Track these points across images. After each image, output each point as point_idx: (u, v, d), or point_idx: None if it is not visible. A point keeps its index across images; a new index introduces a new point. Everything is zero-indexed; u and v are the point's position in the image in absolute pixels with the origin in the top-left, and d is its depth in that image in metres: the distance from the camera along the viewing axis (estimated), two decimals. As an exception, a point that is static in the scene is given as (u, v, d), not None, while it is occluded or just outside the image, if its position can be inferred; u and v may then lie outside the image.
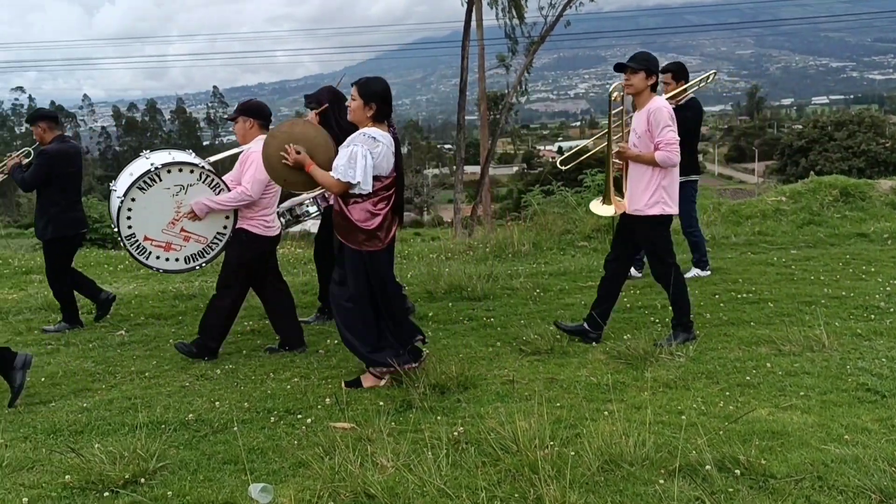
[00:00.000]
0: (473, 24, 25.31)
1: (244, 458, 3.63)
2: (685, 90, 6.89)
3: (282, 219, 5.89)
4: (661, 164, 4.93)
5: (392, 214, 4.58)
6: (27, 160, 6.58)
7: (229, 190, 5.32)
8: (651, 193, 4.99)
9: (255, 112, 5.42)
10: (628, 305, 6.20)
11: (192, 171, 5.31)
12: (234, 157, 5.59)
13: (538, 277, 7.44)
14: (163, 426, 4.08)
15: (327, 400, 4.37)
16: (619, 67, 5.07)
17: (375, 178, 4.45)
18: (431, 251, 9.66)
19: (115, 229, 5.35)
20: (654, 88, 5.07)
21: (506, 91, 28.92)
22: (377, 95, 4.50)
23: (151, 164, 5.27)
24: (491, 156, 28.19)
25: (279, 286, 5.71)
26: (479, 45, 26.56)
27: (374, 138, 4.44)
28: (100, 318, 6.77)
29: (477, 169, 33.52)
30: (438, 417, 4.03)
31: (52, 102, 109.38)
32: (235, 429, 4.00)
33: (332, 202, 4.90)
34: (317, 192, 5.54)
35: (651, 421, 3.70)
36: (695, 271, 7.21)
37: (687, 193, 6.77)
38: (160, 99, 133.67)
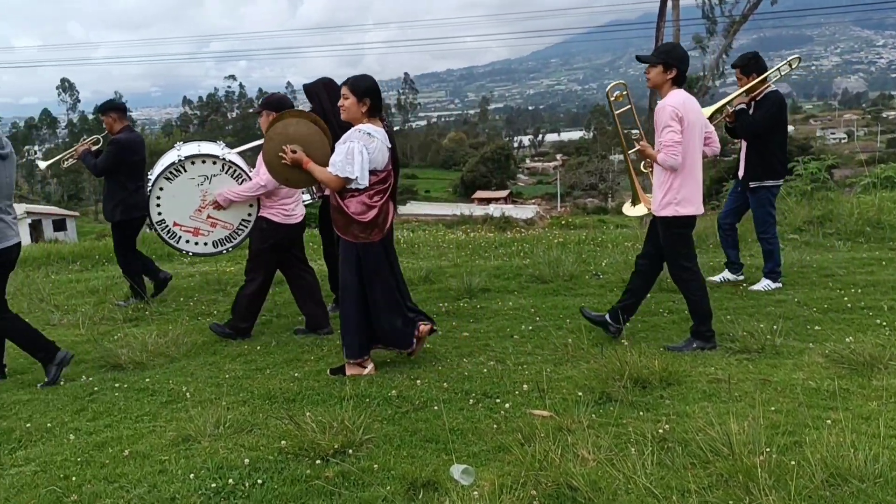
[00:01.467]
0: (669, 4, 24.30)
1: (445, 438, 3.70)
2: (761, 83, 6.22)
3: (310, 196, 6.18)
4: (662, 166, 4.76)
5: (388, 207, 4.70)
6: (95, 147, 7.21)
7: (251, 180, 5.59)
8: (663, 194, 4.84)
9: (276, 106, 5.55)
10: (849, 305, 5.68)
11: (214, 163, 5.68)
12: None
13: (745, 271, 7.00)
14: (367, 400, 4.23)
15: (524, 386, 4.33)
16: (639, 59, 4.94)
17: (371, 172, 4.57)
18: (626, 239, 9.40)
19: (147, 214, 5.81)
20: (676, 82, 4.81)
21: (701, 74, 27.55)
22: (369, 91, 4.59)
23: (178, 156, 5.69)
24: (683, 142, 27.08)
25: (305, 272, 5.89)
26: (675, 26, 25.45)
27: (370, 134, 4.56)
28: (156, 295, 7.29)
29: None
30: (641, 413, 3.88)
31: (260, 90, 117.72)
32: (436, 408, 4.07)
33: (327, 193, 4.99)
34: None
35: (883, 434, 3.35)
36: (764, 283, 6.48)
37: (760, 198, 6.35)
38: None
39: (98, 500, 3.29)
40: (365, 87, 4.60)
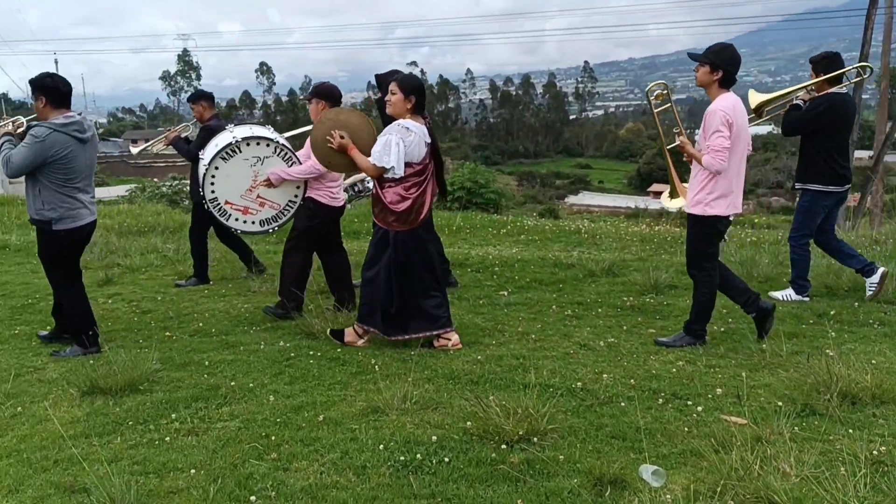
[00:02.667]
0: (884, -11, 22.20)
1: (632, 436, 3.58)
2: (825, 83, 5.97)
3: (346, 192, 6.42)
4: (707, 168, 4.76)
5: (423, 199, 4.97)
6: (185, 134, 7.72)
7: (300, 163, 5.82)
8: (696, 192, 4.88)
9: (326, 94, 5.82)
10: None
11: (268, 145, 5.86)
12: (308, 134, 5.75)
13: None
14: (550, 389, 4.17)
15: (718, 390, 4.12)
16: (690, 57, 4.93)
17: (407, 164, 4.87)
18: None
19: (201, 192, 5.93)
20: (724, 84, 4.79)
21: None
22: (415, 90, 4.93)
23: (233, 137, 5.83)
24: (889, 140, 24.77)
25: (340, 256, 6.17)
26: (887, 14, 23.24)
27: (408, 128, 4.86)
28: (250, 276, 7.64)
29: (865, 154, 29.70)
30: (850, 431, 3.57)
31: (440, 76, 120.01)
32: (623, 404, 3.96)
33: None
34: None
35: None
36: (785, 293, 6.19)
37: (803, 202, 6.13)
38: (534, 73, 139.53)
39: (294, 461, 3.46)
40: (412, 86, 4.95)
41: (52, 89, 5.03)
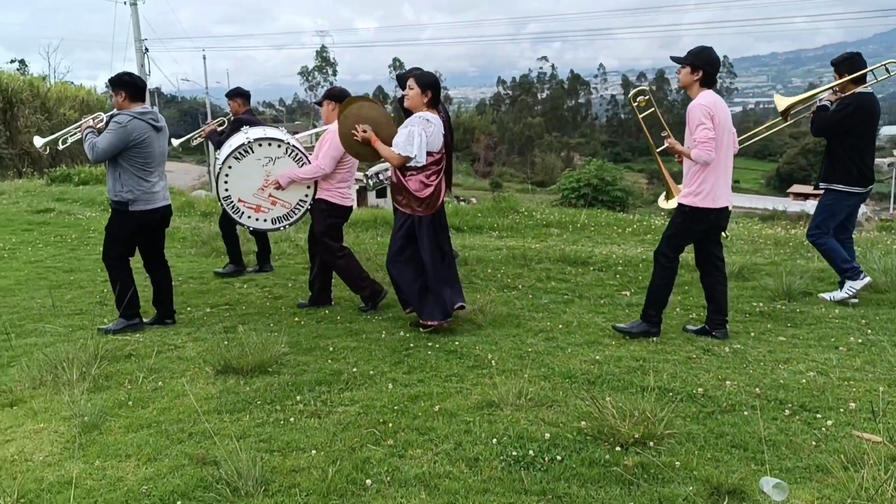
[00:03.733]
0: None
1: (755, 447, 3.45)
2: (850, 83, 5.97)
3: (370, 181, 7.02)
4: (696, 161, 4.94)
5: (441, 185, 5.44)
6: (221, 128, 8.14)
7: (310, 164, 6.08)
8: (687, 185, 5.11)
9: (337, 97, 6.07)
10: None
11: (279, 146, 6.11)
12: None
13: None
14: (669, 394, 4.08)
15: (851, 404, 3.90)
16: (672, 59, 5.18)
17: (428, 154, 5.31)
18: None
19: (216, 191, 6.21)
20: (705, 83, 5.03)
21: None
22: (431, 85, 5.39)
23: (246, 138, 6.09)
24: None
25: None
26: None
27: (428, 120, 5.30)
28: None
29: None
30: None
31: (571, 71, 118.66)
32: (746, 413, 3.82)
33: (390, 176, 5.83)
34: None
35: None
36: (838, 292, 6.14)
37: (825, 201, 6.16)
38: (668, 69, 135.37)
39: (409, 449, 3.55)
40: (428, 82, 5.40)
41: (130, 85, 5.63)
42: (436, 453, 3.50)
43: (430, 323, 5.40)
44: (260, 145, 6.09)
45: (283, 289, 7.07)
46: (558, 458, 3.38)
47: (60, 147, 6.42)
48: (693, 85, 5.05)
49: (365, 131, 5.43)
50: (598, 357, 4.78)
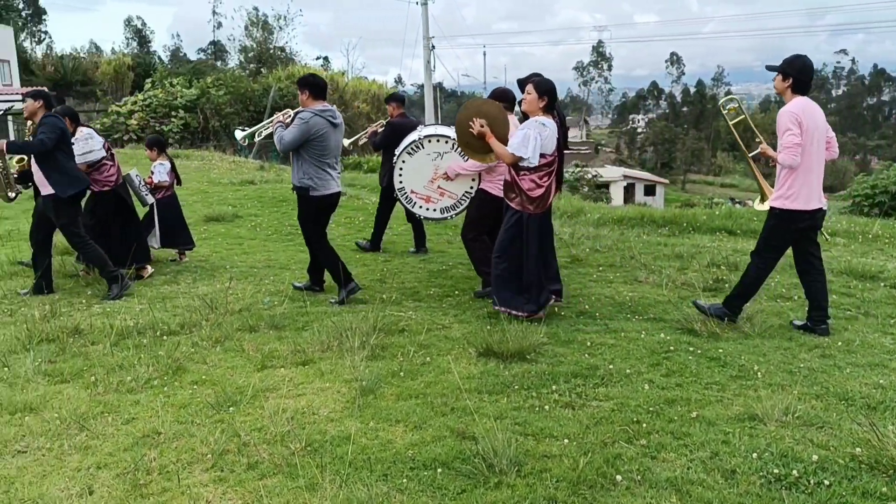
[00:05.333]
0: None
1: None
2: None
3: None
4: (782, 165, 5.14)
5: (551, 186, 5.68)
6: (379, 130, 8.71)
7: None
8: (778, 189, 5.28)
9: (500, 97, 6.43)
10: None
11: (447, 142, 6.63)
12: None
13: None
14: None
15: None
16: (767, 68, 5.36)
17: (541, 156, 5.53)
18: None
19: (392, 182, 6.95)
20: (795, 89, 5.20)
21: None
22: (548, 92, 5.62)
23: (418, 135, 6.76)
24: None
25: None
26: None
27: (544, 124, 5.54)
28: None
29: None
30: None
31: (875, 66, 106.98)
32: None
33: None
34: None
35: None
36: None
37: None
38: None
39: (662, 451, 3.51)
40: (545, 88, 5.62)
41: (313, 85, 6.25)
42: (690, 459, 3.43)
43: (509, 311, 5.65)
44: (430, 141, 6.68)
45: (546, 281, 7.22)
46: (825, 482, 3.16)
47: (256, 140, 7.22)
48: (785, 91, 5.24)
49: (482, 126, 5.75)
50: (881, 381, 4.35)
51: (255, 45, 52.36)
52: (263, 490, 3.23)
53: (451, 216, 6.94)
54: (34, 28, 66.56)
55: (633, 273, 7.47)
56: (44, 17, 67.43)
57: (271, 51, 51.89)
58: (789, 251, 5.48)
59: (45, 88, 6.82)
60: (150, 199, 8.02)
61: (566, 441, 3.62)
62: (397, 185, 6.89)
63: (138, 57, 56.34)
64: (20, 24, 59.71)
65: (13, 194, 6.96)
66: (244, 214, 11.47)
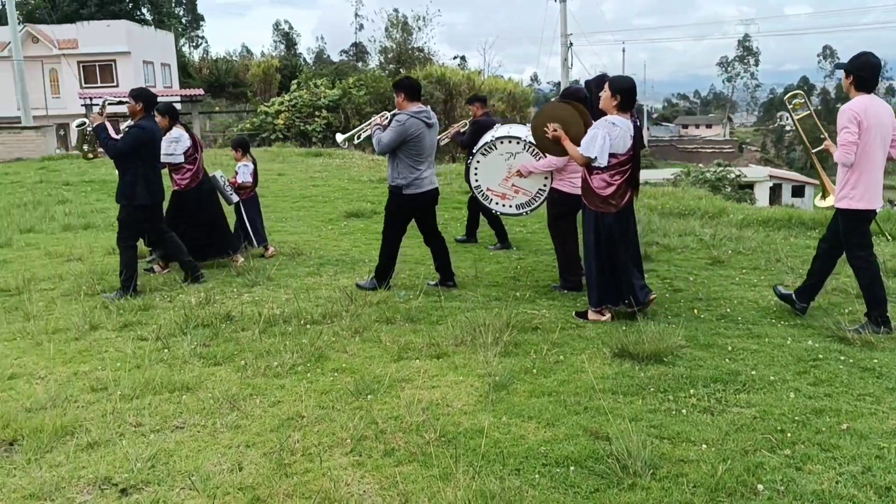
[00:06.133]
0: None
1: None
2: None
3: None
4: (838, 162, 5.25)
5: (626, 186, 5.61)
6: (463, 130, 9.22)
7: (546, 158, 6.58)
8: (840, 188, 5.31)
9: (571, 96, 6.49)
10: None
11: (518, 143, 6.87)
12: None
13: None
14: None
15: None
16: (835, 67, 5.70)
17: (612, 155, 5.49)
18: None
19: (469, 182, 7.30)
20: (858, 87, 5.23)
21: None
22: (623, 91, 5.53)
23: (492, 136, 7.06)
24: None
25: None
26: None
27: (614, 123, 5.49)
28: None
29: None
30: None
31: None
32: None
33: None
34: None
35: None
36: None
37: None
38: None
39: (808, 463, 3.35)
40: (621, 87, 5.56)
41: (408, 87, 6.54)
42: (839, 473, 3.25)
43: (596, 313, 5.70)
44: (501, 143, 6.95)
45: (684, 282, 7.03)
46: None
47: (356, 142, 7.50)
48: (850, 89, 5.27)
49: (556, 130, 5.88)
50: None
51: (394, 46, 53.66)
52: (399, 476, 3.33)
53: (526, 212, 7.19)
54: (192, 33, 71.18)
55: (779, 277, 7.13)
56: (201, 22, 72.03)
57: (410, 51, 53.02)
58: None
59: (146, 89, 7.12)
60: (235, 198, 8.41)
61: (704, 446, 3.52)
62: (473, 183, 7.20)
63: (285, 59, 59.00)
64: (180, 29, 63.90)
65: (91, 156, 7.67)
66: (382, 211, 11.80)
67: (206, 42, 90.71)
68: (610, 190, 5.59)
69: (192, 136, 7.85)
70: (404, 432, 3.78)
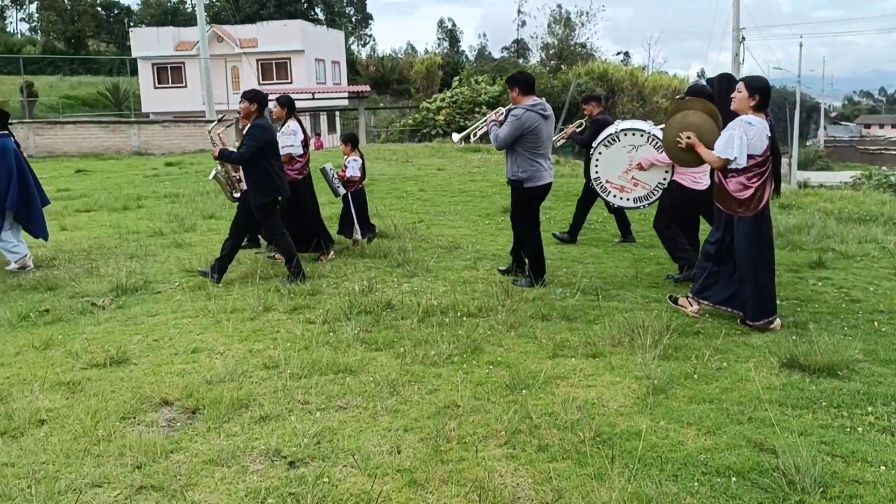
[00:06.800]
0: None
1: None
2: None
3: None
4: None
5: (763, 188, 5.36)
6: (580, 129, 9.25)
7: None
8: None
9: (697, 94, 6.24)
10: None
11: (642, 135, 6.90)
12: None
13: None
14: None
15: None
16: None
17: (749, 156, 5.30)
18: None
19: (587, 175, 7.40)
20: None
21: None
22: (760, 90, 5.35)
23: (614, 129, 7.05)
24: None
25: (693, 236, 7.07)
26: None
27: (750, 123, 5.31)
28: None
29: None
30: None
31: None
32: None
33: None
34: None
35: None
36: None
37: None
38: None
39: None
40: (757, 86, 5.34)
41: (523, 82, 6.60)
42: None
43: (756, 324, 5.38)
44: (625, 135, 6.99)
45: (863, 292, 6.55)
46: None
47: (472, 140, 7.57)
48: None
49: (689, 138, 5.66)
50: None
51: (556, 42, 53.32)
52: (553, 472, 3.34)
53: (644, 206, 7.24)
54: (361, 32, 74.01)
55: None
56: (370, 21, 74.75)
57: (572, 47, 52.51)
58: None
59: (258, 90, 7.37)
60: (342, 191, 8.57)
61: (882, 468, 3.28)
62: (593, 175, 7.24)
63: (447, 56, 60.16)
64: (350, 28, 66.60)
65: (237, 194, 7.56)
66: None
67: (374, 40, 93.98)
68: (748, 193, 5.36)
69: (303, 129, 8.16)
70: (559, 429, 3.78)
